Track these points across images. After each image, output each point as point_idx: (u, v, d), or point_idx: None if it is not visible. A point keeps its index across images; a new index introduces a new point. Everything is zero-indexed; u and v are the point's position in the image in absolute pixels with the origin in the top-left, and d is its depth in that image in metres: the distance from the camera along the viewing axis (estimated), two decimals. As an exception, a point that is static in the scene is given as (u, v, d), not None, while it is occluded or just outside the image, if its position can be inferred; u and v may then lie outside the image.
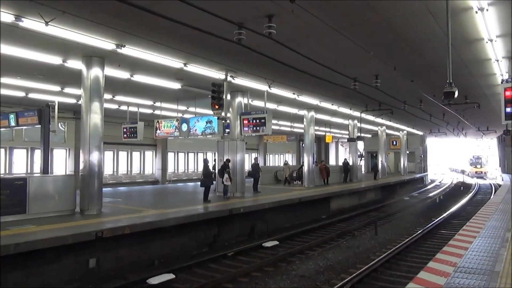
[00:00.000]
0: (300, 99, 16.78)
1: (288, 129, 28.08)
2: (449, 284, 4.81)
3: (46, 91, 14.12)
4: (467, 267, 5.51)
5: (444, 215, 15.70)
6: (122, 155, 25.58)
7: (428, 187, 33.25)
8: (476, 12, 7.61)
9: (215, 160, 14.93)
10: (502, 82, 8.67)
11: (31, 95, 14.73)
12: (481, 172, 47.64)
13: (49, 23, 7.49)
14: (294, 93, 15.82)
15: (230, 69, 12.06)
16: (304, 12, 7.34)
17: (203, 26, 7.12)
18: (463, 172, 55.32)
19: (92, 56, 10.17)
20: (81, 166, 10.46)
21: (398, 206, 19.79)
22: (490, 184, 32.30)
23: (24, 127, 13.19)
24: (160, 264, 9.21)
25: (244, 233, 12.14)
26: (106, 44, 9.08)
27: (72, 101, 16.17)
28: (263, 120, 13.73)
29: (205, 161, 14.28)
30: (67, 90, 14.21)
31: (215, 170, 15.17)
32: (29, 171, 19.71)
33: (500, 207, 11.66)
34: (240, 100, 15.12)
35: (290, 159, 40.72)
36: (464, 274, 5.18)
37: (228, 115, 14.91)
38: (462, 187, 30.94)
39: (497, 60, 11.00)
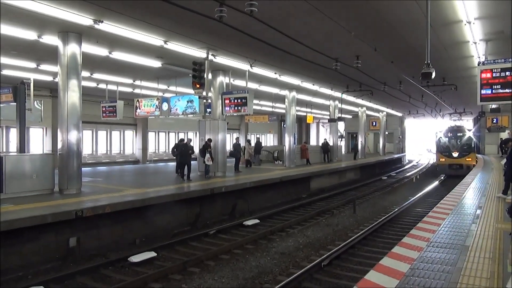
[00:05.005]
0: (282, 79, 16.75)
1: (270, 109, 28.10)
2: (421, 257, 5.03)
3: (20, 67, 13.67)
4: (439, 242, 5.75)
5: (420, 194, 16.20)
6: (101, 134, 25.19)
7: (406, 167, 34.04)
8: (456, -6, 7.70)
9: (182, 140, 14.67)
10: (478, 64, 8.85)
11: (4, 72, 14.21)
12: (461, 164, 23.04)
13: (23, -4, 7.21)
14: (276, 73, 15.76)
15: (212, 48, 11.90)
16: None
17: (184, 3, 6.97)
18: None
19: (69, 31, 9.86)
20: (59, 145, 10.28)
21: (376, 185, 20.29)
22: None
23: (-1, 105, 12.78)
24: (141, 243, 9.27)
25: (225, 212, 12.27)
26: (83, 19, 8.81)
27: (49, 78, 15.72)
28: (244, 100, 13.69)
29: (188, 140, 14.36)
30: (43, 67, 13.80)
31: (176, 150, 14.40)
32: (4, 150, 19.22)
33: (472, 185, 12.08)
34: (222, 79, 14.99)
35: (271, 139, 40.96)
36: (436, 249, 5.41)
37: (210, 94, 14.82)
38: (437, 167, 31.67)
39: (475, 43, 11.23)
